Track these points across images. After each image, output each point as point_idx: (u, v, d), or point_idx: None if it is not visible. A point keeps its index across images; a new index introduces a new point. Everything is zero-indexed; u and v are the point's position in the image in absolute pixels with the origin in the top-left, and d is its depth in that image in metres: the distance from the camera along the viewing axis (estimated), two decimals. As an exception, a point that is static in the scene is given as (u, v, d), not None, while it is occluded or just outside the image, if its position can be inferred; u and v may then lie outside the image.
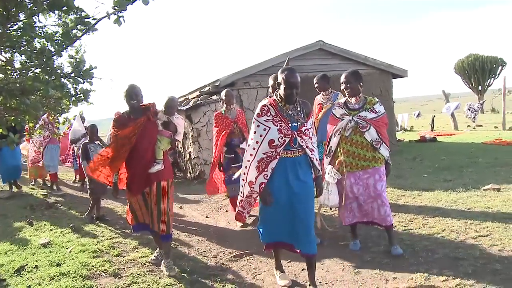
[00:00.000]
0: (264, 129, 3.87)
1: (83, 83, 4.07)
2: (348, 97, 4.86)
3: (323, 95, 6.36)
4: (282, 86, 3.86)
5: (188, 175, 11.88)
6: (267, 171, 3.88)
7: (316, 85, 6.33)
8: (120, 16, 3.55)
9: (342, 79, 4.81)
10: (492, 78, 44.56)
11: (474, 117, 24.49)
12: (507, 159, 10.44)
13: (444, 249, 4.69)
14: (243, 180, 4.06)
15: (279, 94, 3.94)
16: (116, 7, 3.52)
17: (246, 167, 4.01)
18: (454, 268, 4.19)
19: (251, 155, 3.94)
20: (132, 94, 4.72)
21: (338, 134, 4.81)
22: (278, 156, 3.86)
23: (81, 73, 4.06)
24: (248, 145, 4.02)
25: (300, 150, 3.95)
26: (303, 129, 3.92)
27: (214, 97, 11.15)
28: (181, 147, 12.51)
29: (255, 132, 3.93)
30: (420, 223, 5.68)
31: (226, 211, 7.58)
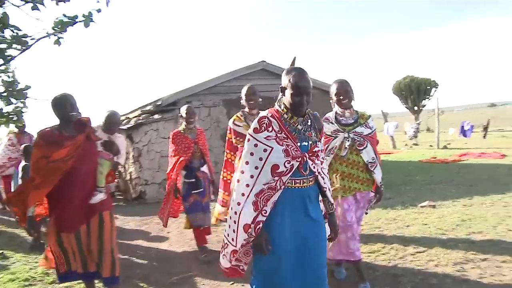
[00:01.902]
0: (265, 150, 2.86)
1: (15, 103, 3.89)
2: (342, 109, 4.24)
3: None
4: (288, 92, 2.92)
5: (129, 196, 11.60)
6: (267, 206, 2.84)
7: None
8: (60, 38, 3.45)
9: (336, 88, 4.19)
10: (427, 99, 46.49)
11: (415, 136, 25.81)
12: (441, 176, 10.94)
13: (384, 266, 4.79)
14: (235, 222, 2.93)
15: (284, 104, 2.99)
16: (56, 28, 3.42)
17: (238, 204, 2.91)
18: (394, 285, 4.29)
19: (247, 186, 2.88)
20: (68, 104, 3.81)
21: (331, 154, 4.19)
22: (283, 187, 2.85)
23: (14, 92, 3.89)
24: (241, 174, 2.95)
25: (311, 179, 2.97)
26: (315, 150, 2.97)
27: (156, 116, 11.02)
28: (121, 167, 12.23)
29: (252, 154, 2.90)
30: (360, 241, 5.76)
31: (168, 232, 7.41)
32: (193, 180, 5.76)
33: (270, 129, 2.90)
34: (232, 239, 2.98)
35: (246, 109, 5.00)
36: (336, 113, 4.30)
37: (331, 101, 4.30)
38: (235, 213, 2.92)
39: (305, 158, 2.90)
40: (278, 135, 2.89)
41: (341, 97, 4.16)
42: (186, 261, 5.72)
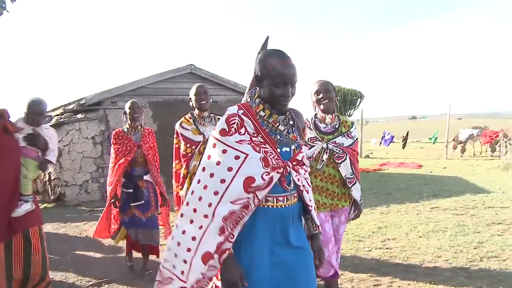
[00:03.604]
0: (237, 157, 2.16)
1: None
2: (323, 113, 3.72)
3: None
4: (267, 82, 2.19)
5: (47, 197, 11.14)
6: (235, 230, 2.13)
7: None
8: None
9: (318, 87, 3.69)
10: (353, 109, 48.00)
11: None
12: (362, 185, 11.23)
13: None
14: (188, 250, 2.21)
15: (259, 97, 2.28)
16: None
17: (200, 227, 2.18)
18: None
19: (209, 205, 2.15)
20: None
21: None
22: (257, 205, 2.15)
23: None
24: (202, 188, 2.21)
25: (295, 194, 2.28)
26: (299, 157, 2.32)
27: (79, 115, 10.69)
28: (52, 167, 11.73)
29: (218, 163, 2.18)
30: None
31: (85, 236, 7.17)
32: (132, 190, 4.95)
33: (242, 130, 2.20)
34: (182, 272, 2.23)
35: (196, 111, 4.31)
36: (315, 117, 3.80)
37: (312, 102, 3.79)
38: (193, 238, 2.19)
39: (288, 168, 2.22)
40: (253, 138, 2.19)
41: (322, 98, 3.65)
42: (104, 266, 5.55)
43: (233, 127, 2.21)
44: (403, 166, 16.13)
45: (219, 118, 3.48)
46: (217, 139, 2.23)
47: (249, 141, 2.18)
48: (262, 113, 2.24)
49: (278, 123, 2.26)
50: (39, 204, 4.05)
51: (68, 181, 10.45)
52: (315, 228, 2.44)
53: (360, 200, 3.86)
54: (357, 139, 3.83)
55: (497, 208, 7.88)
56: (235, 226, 2.13)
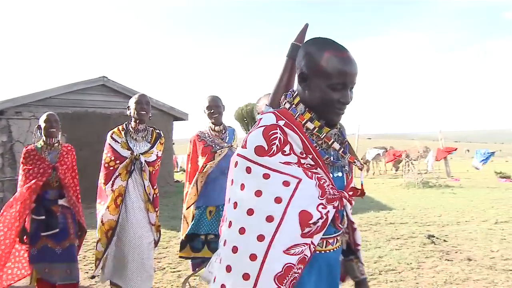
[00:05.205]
0: (285, 184, 1.53)
1: None
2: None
3: (211, 130, 4.21)
4: (318, 82, 1.59)
5: None
6: None
7: (211, 108, 4.16)
8: None
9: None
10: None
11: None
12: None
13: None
14: None
15: (303, 104, 1.66)
16: None
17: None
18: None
19: (253, 258, 1.48)
20: None
21: None
22: (313, 253, 1.57)
23: None
24: (231, 231, 1.55)
25: (342, 235, 1.80)
26: (352, 185, 1.80)
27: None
28: None
29: (259, 194, 1.52)
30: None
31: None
32: (44, 217, 3.97)
33: (286, 149, 1.57)
34: None
35: (132, 123, 3.94)
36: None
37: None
38: None
39: (343, 200, 1.66)
40: (302, 160, 1.58)
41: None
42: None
43: (274, 143, 1.55)
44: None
45: (158, 133, 3.41)
46: (251, 161, 1.55)
47: (296, 163, 1.56)
48: (309, 125, 1.63)
49: (332, 140, 1.68)
50: None
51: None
52: (362, 272, 1.87)
53: None
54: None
55: (397, 224, 8.36)
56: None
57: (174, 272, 5.43)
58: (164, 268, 5.54)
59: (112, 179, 3.83)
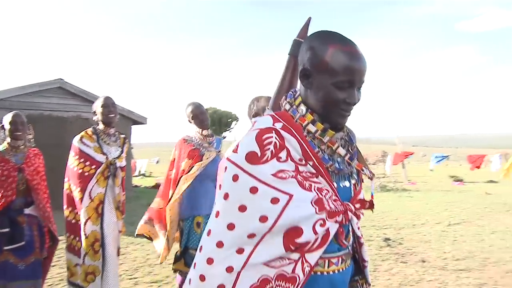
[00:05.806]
0: (274, 201, 1.34)
1: None
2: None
3: (199, 133, 4.10)
4: (322, 80, 1.42)
5: None
6: None
7: (197, 116, 4.07)
8: None
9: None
10: (227, 131, 49.01)
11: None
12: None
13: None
14: None
15: (305, 105, 1.49)
16: None
17: None
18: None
19: (229, 270, 1.35)
20: None
21: None
22: (307, 275, 1.37)
23: None
24: (209, 239, 1.42)
25: (348, 253, 1.55)
26: (361, 195, 1.54)
27: None
28: None
29: (243, 209, 1.36)
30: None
31: None
32: (8, 229, 3.52)
33: (283, 155, 1.38)
34: None
35: (101, 126, 3.80)
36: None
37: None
38: None
39: (348, 214, 1.44)
40: (300, 168, 1.40)
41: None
42: None
43: (268, 149, 1.36)
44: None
45: (125, 138, 3.28)
46: (241, 168, 1.37)
47: (293, 171, 1.38)
48: (311, 128, 1.45)
49: (336, 144, 1.48)
50: None
51: None
52: None
53: None
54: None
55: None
56: None
57: (130, 279, 5.36)
58: (121, 275, 5.43)
59: (91, 187, 3.63)
